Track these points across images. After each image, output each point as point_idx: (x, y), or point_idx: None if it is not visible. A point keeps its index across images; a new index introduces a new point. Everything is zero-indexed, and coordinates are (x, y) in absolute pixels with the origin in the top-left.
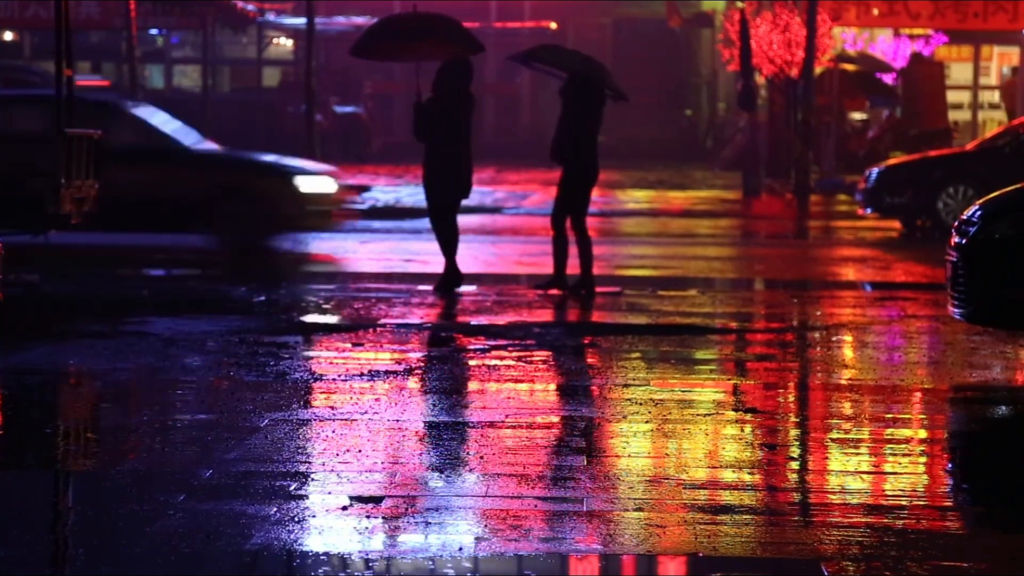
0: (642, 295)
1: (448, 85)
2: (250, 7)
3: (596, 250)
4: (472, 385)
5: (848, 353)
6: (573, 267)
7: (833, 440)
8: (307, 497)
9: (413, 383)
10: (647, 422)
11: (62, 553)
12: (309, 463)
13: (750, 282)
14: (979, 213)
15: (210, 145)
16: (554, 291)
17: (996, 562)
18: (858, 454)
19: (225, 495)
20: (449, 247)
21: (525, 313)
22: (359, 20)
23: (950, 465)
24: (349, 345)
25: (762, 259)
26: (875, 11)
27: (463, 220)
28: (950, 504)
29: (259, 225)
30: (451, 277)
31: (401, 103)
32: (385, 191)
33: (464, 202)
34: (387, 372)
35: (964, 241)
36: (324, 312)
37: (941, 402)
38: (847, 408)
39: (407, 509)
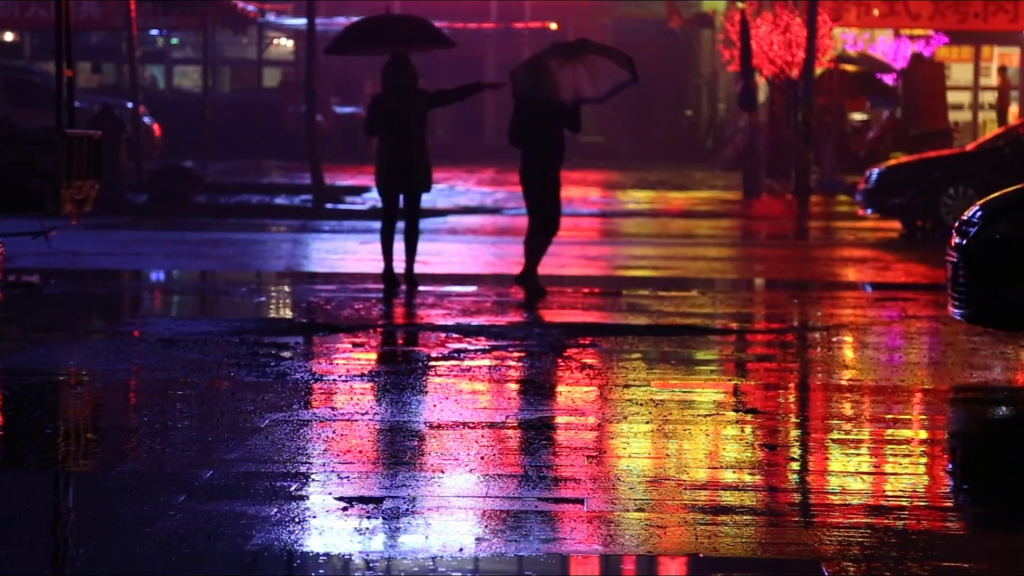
0: (642, 295)
1: (390, 81)
2: (250, 8)
3: (597, 250)
4: (472, 385)
5: (848, 354)
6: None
7: (833, 441)
8: (307, 497)
9: (413, 383)
10: (647, 422)
11: (62, 553)
12: (310, 463)
13: (750, 283)
14: (979, 213)
15: None
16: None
17: (996, 562)
18: (858, 455)
19: (225, 496)
20: (387, 247)
21: (525, 313)
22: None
23: (950, 465)
24: (349, 345)
25: (762, 260)
26: (875, 12)
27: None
28: (950, 504)
29: None
30: (388, 281)
31: None
32: None
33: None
34: (387, 372)
35: (964, 241)
36: (324, 312)
37: (941, 402)
38: (847, 409)
39: (407, 509)
